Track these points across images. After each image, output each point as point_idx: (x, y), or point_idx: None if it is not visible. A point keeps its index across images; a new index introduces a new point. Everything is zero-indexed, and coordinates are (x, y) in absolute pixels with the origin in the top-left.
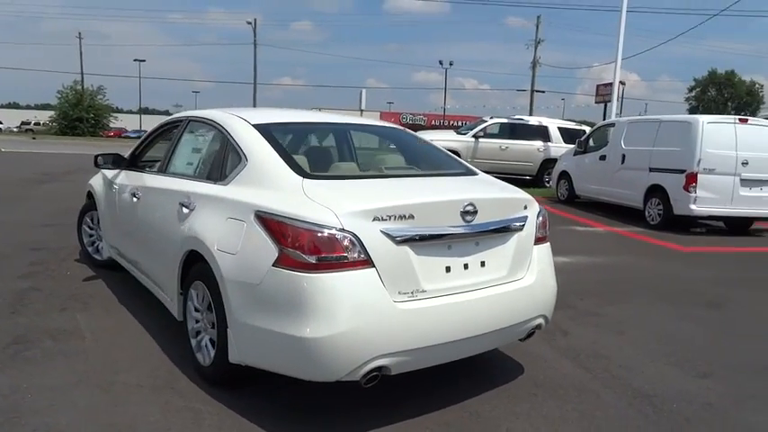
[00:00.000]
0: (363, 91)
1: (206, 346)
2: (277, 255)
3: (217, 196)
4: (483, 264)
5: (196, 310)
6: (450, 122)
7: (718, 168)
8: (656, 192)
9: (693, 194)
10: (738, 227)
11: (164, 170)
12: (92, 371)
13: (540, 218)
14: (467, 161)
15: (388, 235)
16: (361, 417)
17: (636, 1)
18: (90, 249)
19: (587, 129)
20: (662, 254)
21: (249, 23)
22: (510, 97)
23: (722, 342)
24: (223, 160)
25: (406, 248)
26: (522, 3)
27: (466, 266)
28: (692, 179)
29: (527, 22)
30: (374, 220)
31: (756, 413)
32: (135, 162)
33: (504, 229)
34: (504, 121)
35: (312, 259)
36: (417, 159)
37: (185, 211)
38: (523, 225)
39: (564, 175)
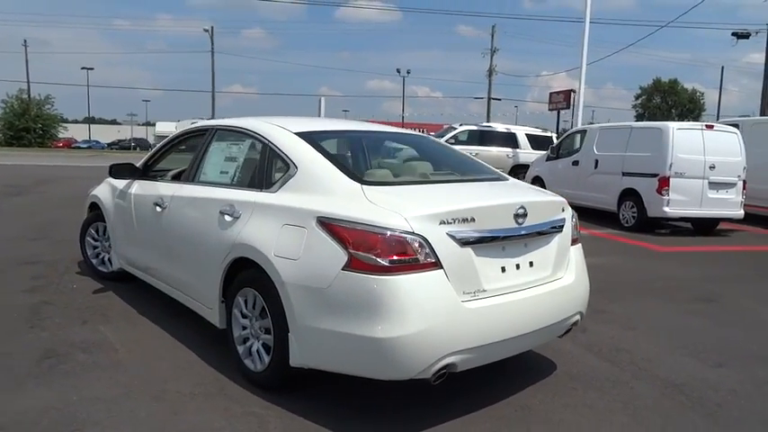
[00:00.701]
0: (322, 99)
1: (257, 351)
2: (347, 259)
3: (266, 203)
4: (531, 264)
5: (244, 316)
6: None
7: (687, 172)
8: (629, 195)
9: (666, 197)
10: (705, 227)
11: (192, 179)
12: (137, 382)
13: (574, 219)
14: None
15: (453, 237)
16: (420, 414)
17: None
18: (94, 261)
19: (553, 135)
20: (643, 254)
21: (206, 31)
22: (463, 104)
23: (724, 334)
24: (266, 168)
25: (468, 250)
26: (472, 12)
27: (517, 266)
28: (664, 183)
29: (479, 31)
30: (441, 223)
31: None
32: (148, 172)
33: (548, 231)
34: (474, 128)
35: (385, 262)
36: (453, 165)
37: (228, 218)
38: (563, 226)
39: (537, 180)
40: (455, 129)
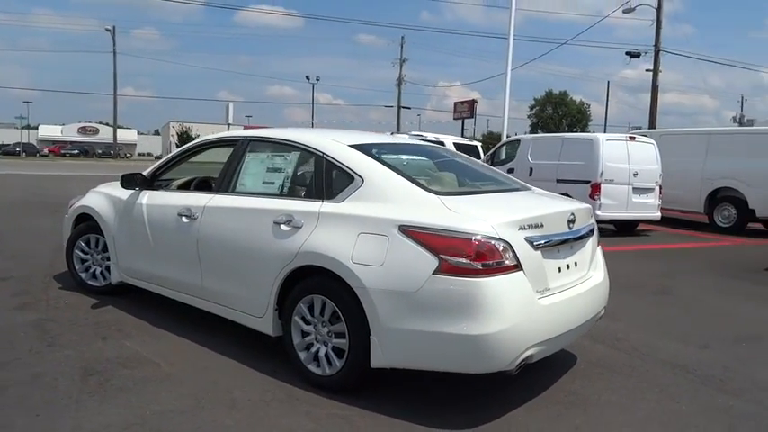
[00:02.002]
0: (231, 104)
1: (326, 356)
2: (438, 263)
3: (333, 213)
4: (576, 264)
5: (307, 323)
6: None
7: (615, 179)
8: None
9: (598, 201)
10: (628, 228)
11: (228, 189)
12: (200, 393)
13: (596, 224)
14: None
15: (529, 242)
16: (486, 403)
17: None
18: (84, 275)
19: (479, 144)
20: None
21: (108, 30)
22: (365, 112)
23: (693, 321)
24: (325, 179)
25: (539, 253)
26: (372, 21)
27: (567, 267)
28: (596, 189)
29: (380, 40)
30: (520, 229)
31: (760, 370)
32: (155, 182)
33: (586, 234)
34: (406, 137)
35: (478, 265)
36: (486, 176)
37: (285, 228)
38: (593, 230)
39: None
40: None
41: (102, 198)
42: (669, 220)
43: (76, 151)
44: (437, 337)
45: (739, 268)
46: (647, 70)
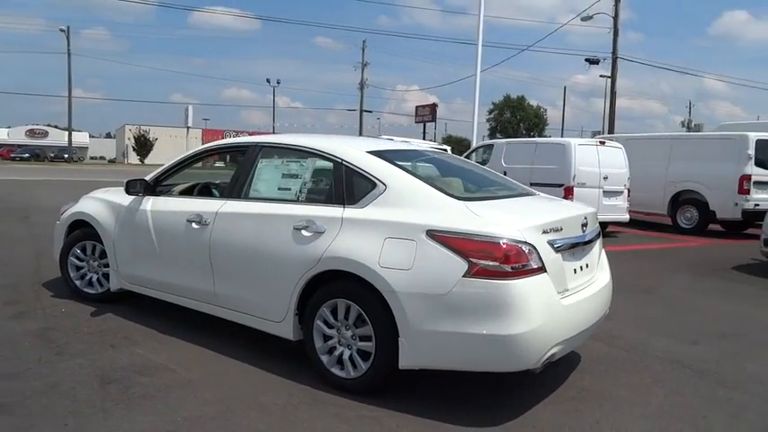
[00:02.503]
0: (190, 107)
1: (350, 359)
2: (467, 267)
3: (357, 219)
4: (587, 266)
5: (329, 326)
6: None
7: (587, 182)
8: None
9: None
10: None
11: (240, 195)
12: (227, 398)
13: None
14: None
15: (551, 245)
16: (507, 401)
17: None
18: (79, 283)
19: (448, 149)
20: None
21: (62, 31)
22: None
23: (679, 319)
24: (345, 186)
25: (559, 255)
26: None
27: (581, 268)
28: (569, 192)
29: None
30: (543, 233)
31: (748, 363)
32: (162, 188)
33: (594, 238)
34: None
35: (507, 268)
36: (494, 182)
37: (306, 233)
38: (599, 234)
39: None
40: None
41: (100, 204)
42: (635, 222)
43: (27, 155)
44: (467, 337)
45: (709, 267)
46: (600, 76)
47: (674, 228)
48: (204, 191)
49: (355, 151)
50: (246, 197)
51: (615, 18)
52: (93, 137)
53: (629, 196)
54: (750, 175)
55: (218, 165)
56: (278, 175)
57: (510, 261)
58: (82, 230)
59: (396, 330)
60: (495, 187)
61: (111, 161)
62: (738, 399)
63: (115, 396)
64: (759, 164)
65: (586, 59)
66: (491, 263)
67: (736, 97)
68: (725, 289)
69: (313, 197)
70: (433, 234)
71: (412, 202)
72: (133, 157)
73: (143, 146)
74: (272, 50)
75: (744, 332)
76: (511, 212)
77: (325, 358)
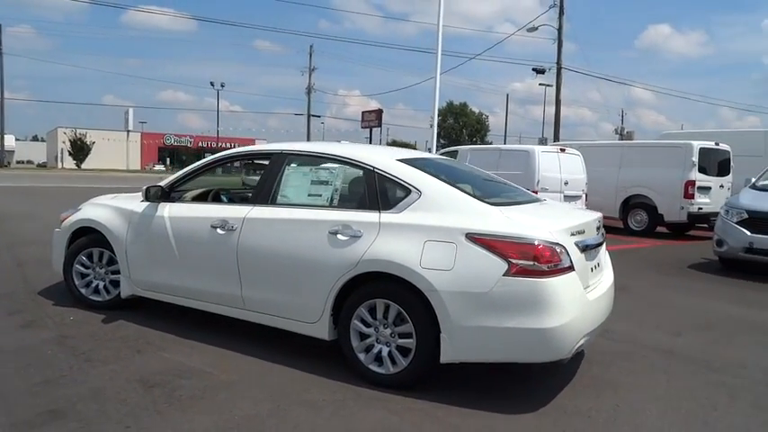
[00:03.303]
0: (131, 110)
1: (389, 355)
2: (507, 267)
3: (395, 223)
4: (598, 265)
5: (367, 325)
6: (224, 145)
7: (550, 188)
8: None
9: None
10: None
11: (267, 201)
12: (275, 397)
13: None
14: None
15: (577, 246)
16: (532, 389)
17: (384, 38)
18: (85, 291)
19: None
20: None
21: None
22: (262, 119)
23: (658, 313)
24: (379, 192)
25: (582, 255)
26: (270, 27)
27: (595, 267)
28: None
29: (276, 45)
30: (571, 234)
31: (727, 350)
32: (175, 194)
33: (602, 240)
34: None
35: (544, 267)
36: (508, 188)
37: (342, 237)
38: (605, 236)
39: None
40: None
41: (110, 211)
42: None
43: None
44: (507, 332)
45: (668, 266)
46: (540, 84)
47: (626, 230)
48: (219, 197)
49: (387, 160)
50: (274, 203)
51: (559, 30)
52: (18, 140)
53: (586, 200)
54: (694, 181)
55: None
56: (307, 181)
57: (546, 261)
58: (88, 237)
59: (437, 327)
60: (512, 193)
61: (42, 165)
62: (730, 382)
63: (164, 399)
64: (702, 170)
65: (533, 69)
66: (529, 263)
67: (661, 106)
68: (688, 286)
69: (345, 203)
70: (473, 237)
71: (447, 208)
72: (69, 162)
73: (80, 150)
74: (208, 53)
75: (715, 324)
76: (540, 216)
77: (362, 356)
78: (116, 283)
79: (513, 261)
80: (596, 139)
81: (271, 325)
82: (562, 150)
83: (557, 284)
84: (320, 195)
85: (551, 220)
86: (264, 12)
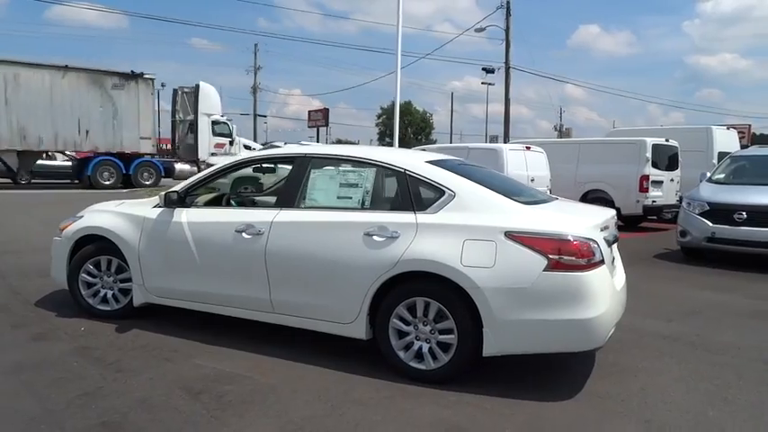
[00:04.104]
0: None
1: (430, 351)
2: (547, 262)
3: (432, 223)
4: (614, 258)
5: (406, 323)
6: (166, 145)
7: None
8: None
9: None
10: None
11: (293, 205)
12: (325, 397)
13: None
14: None
15: (606, 240)
16: (560, 377)
17: (323, 36)
18: (92, 301)
19: None
20: None
21: None
22: None
23: (645, 303)
24: (412, 193)
25: (609, 249)
26: (206, 24)
27: (613, 260)
28: None
29: (213, 44)
30: (600, 230)
31: (719, 334)
32: (190, 199)
33: (618, 235)
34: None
35: (582, 261)
36: (526, 188)
37: (379, 239)
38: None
39: None
40: (278, 147)
41: (117, 217)
42: None
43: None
44: (548, 324)
45: (634, 258)
46: (483, 83)
47: None
48: (230, 202)
49: (416, 162)
50: (302, 206)
51: (507, 31)
52: None
53: None
54: (648, 175)
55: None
56: (335, 184)
57: (583, 255)
58: (95, 245)
59: (479, 322)
60: (532, 192)
61: None
62: (732, 362)
63: (214, 404)
64: (654, 165)
65: (483, 68)
66: (567, 258)
67: (593, 103)
68: (661, 275)
69: (377, 205)
70: (512, 235)
71: (482, 208)
72: None
73: None
74: (141, 51)
75: (699, 309)
76: (571, 214)
77: (402, 354)
78: (125, 292)
79: (553, 256)
80: (535, 136)
81: (301, 327)
82: (528, 148)
83: (593, 277)
84: (350, 198)
85: (581, 217)
86: (198, 9)
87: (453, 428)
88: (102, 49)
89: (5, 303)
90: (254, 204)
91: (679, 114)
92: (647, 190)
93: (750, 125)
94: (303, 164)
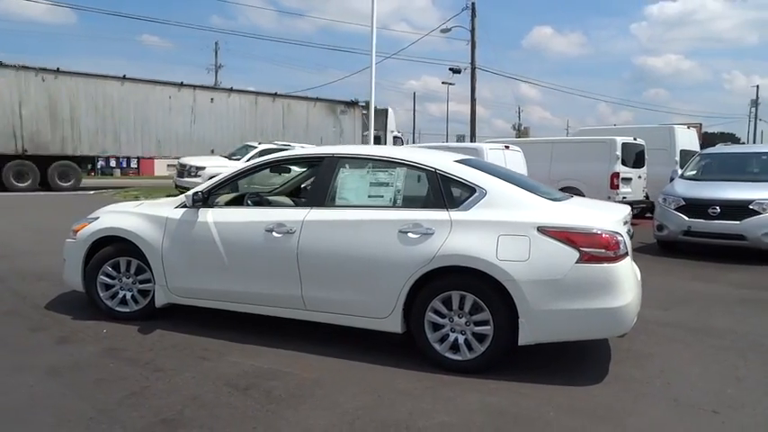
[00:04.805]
0: None
1: (466, 343)
2: (578, 255)
3: (467, 220)
4: (629, 252)
5: (441, 316)
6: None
7: None
8: None
9: None
10: None
11: (323, 204)
12: (370, 390)
13: None
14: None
15: (628, 234)
16: (583, 363)
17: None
18: (110, 303)
19: None
20: None
21: None
22: None
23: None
24: (444, 192)
25: (629, 241)
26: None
27: (630, 253)
28: None
29: (164, 41)
30: (623, 224)
31: (714, 320)
32: (213, 199)
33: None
34: (274, 147)
35: (611, 254)
36: (540, 185)
37: (414, 236)
38: None
39: None
40: (256, 147)
41: (137, 218)
42: None
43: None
44: (581, 313)
45: None
46: (443, 83)
47: None
48: (257, 201)
49: (446, 161)
50: (333, 205)
51: (472, 32)
52: None
53: None
54: (618, 173)
55: None
56: (365, 183)
57: (611, 248)
58: (114, 246)
59: (515, 313)
60: (549, 189)
61: None
62: (733, 345)
63: (266, 399)
64: (623, 163)
65: (450, 69)
66: (597, 250)
67: (546, 103)
68: (644, 267)
69: (409, 203)
70: (545, 230)
71: (513, 204)
72: None
73: None
74: (89, 47)
75: (689, 299)
76: (595, 209)
77: (437, 346)
78: (144, 293)
79: (584, 249)
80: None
81: (334, 323)
82: (506, 147)
83: (621, 269)
84: (381, 196)
85: (605, 213)
86: (148, 5)
87: (501, 413)
88: (50, 45)
89: (16, 308)
90: (270, 204)
91: (628, 113)
92: (617, 187)
93: (701, 124)
94: (331, 164)
